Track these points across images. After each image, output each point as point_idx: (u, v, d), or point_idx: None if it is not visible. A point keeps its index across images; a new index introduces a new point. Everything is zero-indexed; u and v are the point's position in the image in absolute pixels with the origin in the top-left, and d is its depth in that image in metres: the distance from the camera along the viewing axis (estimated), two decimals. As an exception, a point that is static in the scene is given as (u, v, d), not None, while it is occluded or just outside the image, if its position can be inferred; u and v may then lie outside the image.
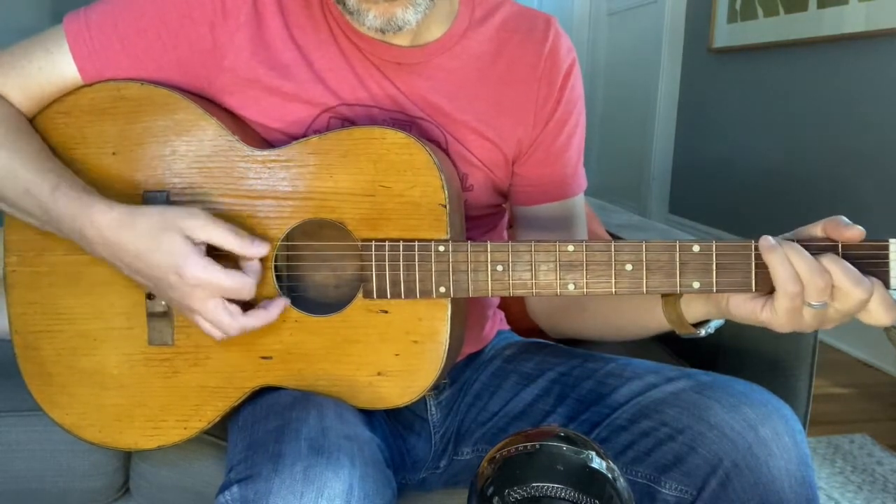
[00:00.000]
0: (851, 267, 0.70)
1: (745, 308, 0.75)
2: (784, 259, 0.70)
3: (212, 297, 0.76)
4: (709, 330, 0.83)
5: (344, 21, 0.86)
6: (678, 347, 1.21)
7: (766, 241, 0.72)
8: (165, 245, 0.75)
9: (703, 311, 0.80)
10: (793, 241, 0.72)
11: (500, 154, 0.93)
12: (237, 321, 0.77)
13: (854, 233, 0.71)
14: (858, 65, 2.45)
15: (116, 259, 0.78)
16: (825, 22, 2.56)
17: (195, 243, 0.75)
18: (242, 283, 0.76)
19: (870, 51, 2.39)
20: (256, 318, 0.79)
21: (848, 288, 0.69)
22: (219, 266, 0.75)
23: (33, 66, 0.84)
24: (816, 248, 0.71)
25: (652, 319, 0.84)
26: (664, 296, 0.82)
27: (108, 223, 0.76)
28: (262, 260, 0.80)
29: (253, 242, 0.78)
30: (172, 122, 0.83)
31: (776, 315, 0.72)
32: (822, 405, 1.95)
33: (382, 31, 0.81)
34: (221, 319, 0.77)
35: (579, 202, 0.99)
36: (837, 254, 0.71)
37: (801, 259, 0.70)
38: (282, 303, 0.80)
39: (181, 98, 0.83)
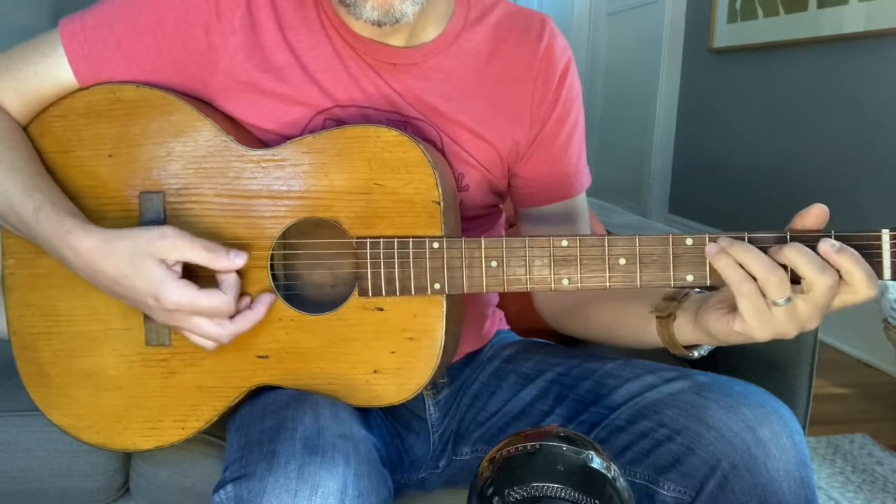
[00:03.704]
0: (811, 254, 0.69)
1: (720, 325, 0.74)
2: (731, 262, 0.70)
3: (193, 316, 0.77)
4: (701, 352, 0.83)
5: (339, 22, 0.86)
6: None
7: (711, 248, 0.72)
8: (141, 271, 0.76)
9: (692, 336, 0.80)
10: (743, 238, 0.72)
11: (495, 153, 0.93)
12: (226, 329, 0.78)
13: (813, 214, 0.72)
14: (858, 65, 2.45)
15: (96, 282, 0.79)
16: (825, 22, 2.56)
17: (170, 265, 0.76)
18: (220, 302, 0.77)
19: (870, 51, 2.39)
20: (245, 320, 0.79)
21: (811, 277, 0.69)
22: (194, 288, 0.76)
23: (29, 70, 0.84)
24: (807, 239, 0.71)
25: (649, 334, 0.84)
26: (658, 317, 0.82)
27: (85, 250, 0.77)
28: (246, 265, 0.80)
29: (228, 254, 0.77)
30: (168, 123, 0.83)
31: (746, 322, 0.71)
32: (822, 405, 1.95)
33: (379, 24, 0.80)
34: (209, 332, 0.78)
35: (582, 200, 1.00)
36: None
37: (750, 257, 0.70)
38: (267, 299, 0.81)
39: (176, 99, 0.83)
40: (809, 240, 0.71)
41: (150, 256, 0.75)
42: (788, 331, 0.72)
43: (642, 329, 0.85)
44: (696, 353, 0.82)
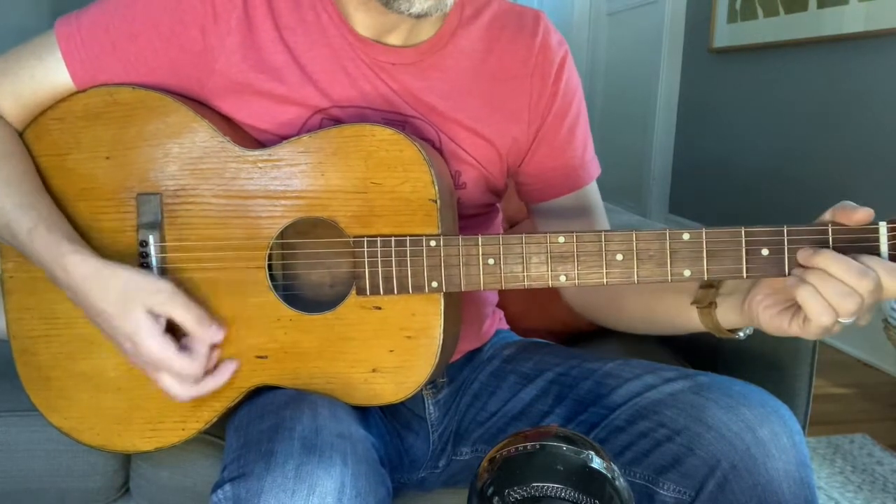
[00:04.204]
0: (852, 262, 0.69)
1: (773, 323, 0.75)
2: (812, 291, 0.70)
3: (161, 371, 0.79)
4: (747, 332, 0.83)
5: (340, 21, 0.86)
6: (679, 347, 1.21)
7: (790, 280, 0.71)
8: (128, 315, 0.77)
9: (737, 322, 0.80)
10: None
11: (494, 151, 0.93)
12: (187, 392, 0.80)
13: (861, 215, 0.72)
14: (858, 65, 2.45)
15: (81, 306, 0.80)
16: (825, 22, 2.56)
17: (156, 317, 0.77)
18: (190, 370, 0.78)
19: (870, 51, 2.39)
20: (206, 386, 0.81)
21: (855, 284, 0.69)
22: (173, 348, 0.77)
23: (26, 73, 0.84)
24: (808, 235, 0.72)
25: (687, 321, 0.85)
26: (700, 307, 0.82)
27: (79, 275, 0.78)
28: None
29: (210, 326, 0.79)
30: (165, 124, 0.83)
31: (809, 332, 0.72)
32: (822, 405, 1.95)
33: (425, 16, 0.80)
34: (171, 389, 0.80)
35: (593, 190, 1.00)
36: (827, 237, 0.72)
37: (829, 286, 0.69)
38: (232, 366, 0.82)
39: (173, 101, 0.83)
40: (808, 236, 0.72)
41: (141, 305, 0.77)
42: (837, 332, 0.73)
43: (680, 317, 0.85)
44: (741, 335, 0.83)
